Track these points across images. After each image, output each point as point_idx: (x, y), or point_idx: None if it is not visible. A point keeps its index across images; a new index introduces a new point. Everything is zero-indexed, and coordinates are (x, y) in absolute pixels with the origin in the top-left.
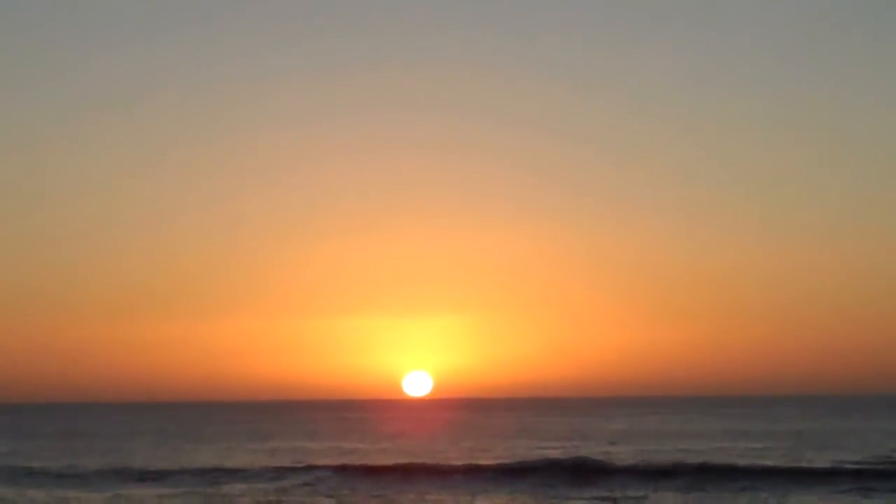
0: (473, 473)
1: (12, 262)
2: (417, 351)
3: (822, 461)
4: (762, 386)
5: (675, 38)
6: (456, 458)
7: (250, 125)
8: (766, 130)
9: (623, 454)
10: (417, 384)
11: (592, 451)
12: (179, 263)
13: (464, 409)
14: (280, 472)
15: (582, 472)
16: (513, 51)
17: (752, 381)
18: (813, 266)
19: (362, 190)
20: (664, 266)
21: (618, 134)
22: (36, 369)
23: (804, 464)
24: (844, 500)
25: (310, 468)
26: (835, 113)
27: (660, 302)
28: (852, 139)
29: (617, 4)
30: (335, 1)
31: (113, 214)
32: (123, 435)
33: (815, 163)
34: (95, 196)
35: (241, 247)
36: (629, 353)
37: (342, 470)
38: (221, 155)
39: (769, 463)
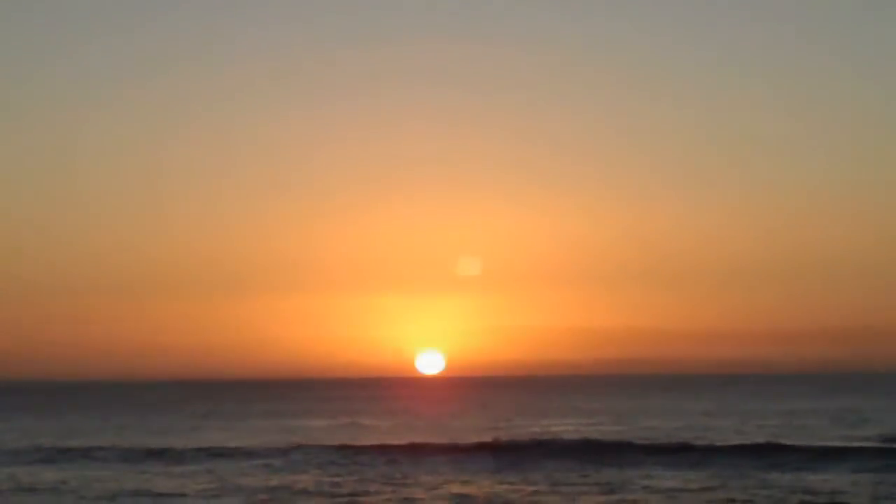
0: (475, 451)
1: (36, 243)
2: (430, 329)
3: (835, 439)
4: (767, 365)
5: (687, 7)
6: (459, 437)
7: (281, 99)
8: (776, 98)
9: (628, 432)
10: (430, 362)
11: (597, 428)
12: (197, 242)
13: (473, 387)
14: (285, 451)
15: (585, 449)
16: (527, 22)
17: (758, 361)
18: (823, 240)
19: (378, 168)
20: (669, 246)
21: (629, 112)
22: (57, 347)
23: (818, 442)
24: (858, 479)
25: (308, 447)
26: (844, 84)
27: (666, 281)
28: (860, 108)
29: None
30: None
31: (133, 191)
32: (134, 413)
33: (821, 130)
34: (119, 171)
35: (258, 226)
36: (638, 333)
37: (345, 448)
38: (243, 133)
39: (784, 441)
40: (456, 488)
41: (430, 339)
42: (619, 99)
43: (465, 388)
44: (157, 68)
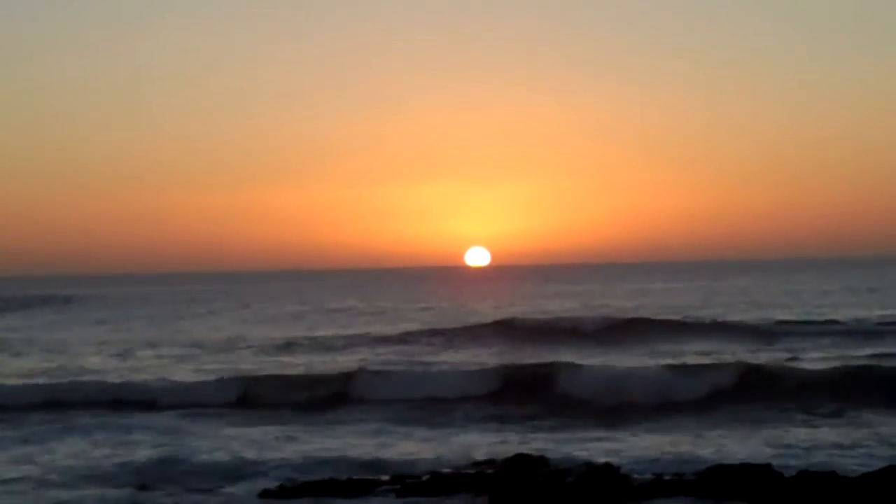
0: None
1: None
2: (479, 222)
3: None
4: (775, 249)
5: None
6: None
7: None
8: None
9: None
10: (477, 256)
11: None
12: (255, 134)
13: (511, 278)
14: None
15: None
16: None
17: (766, 245)
18: (825, 134)
19: (427, 59)
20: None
21: (656, 10)
22: (98, 240)
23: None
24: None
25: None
26: None
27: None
28: (863, 16)
29: None
30: None
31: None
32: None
33: (829, 36)
34: (185, 69)
35: (312, 119)
36: (681, 219)
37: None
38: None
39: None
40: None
41: (478, 233)
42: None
43: (504, 278)
44: None
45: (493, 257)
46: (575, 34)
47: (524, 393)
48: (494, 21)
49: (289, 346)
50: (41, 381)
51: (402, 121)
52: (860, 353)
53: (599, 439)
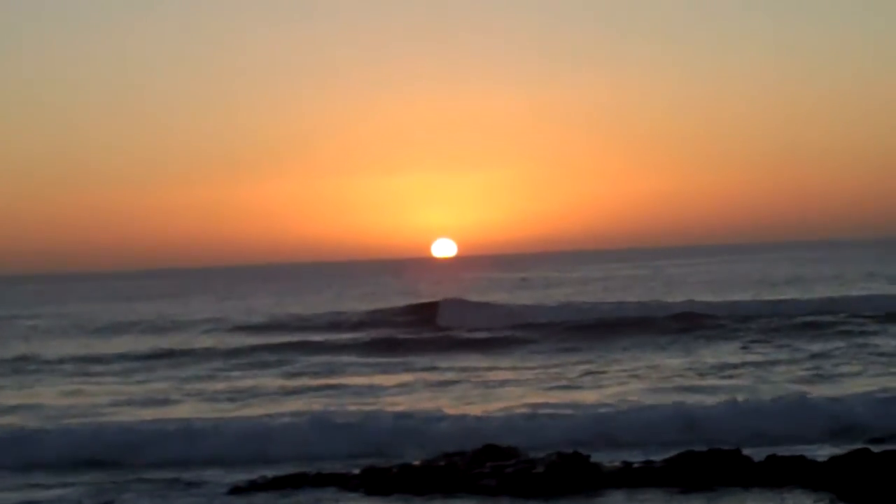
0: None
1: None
2: (445, 212)
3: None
4: (744, 234)
5: None
6: None
7: None
8: None
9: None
10: (444, 247)
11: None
12: (218, 130)
13: (471, 267)
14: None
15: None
16: None
17: (735, 230)
18: (798, 116)
19: (391, 51)
20: (658, 119)
21: None
22: (71, 237)
23: None
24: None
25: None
26: None
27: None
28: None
29: None
30: None
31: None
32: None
33: (804, 20)
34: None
35: (278, 111)
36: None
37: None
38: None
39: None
40: None
41: (445, 224)
42: None
43: (465, 268)
44: None
45: (460, 248)
46: (537, 22)
47: None
48: (457, 13)
49: None
50: None
51: (366, 114)
52: None
53: None
